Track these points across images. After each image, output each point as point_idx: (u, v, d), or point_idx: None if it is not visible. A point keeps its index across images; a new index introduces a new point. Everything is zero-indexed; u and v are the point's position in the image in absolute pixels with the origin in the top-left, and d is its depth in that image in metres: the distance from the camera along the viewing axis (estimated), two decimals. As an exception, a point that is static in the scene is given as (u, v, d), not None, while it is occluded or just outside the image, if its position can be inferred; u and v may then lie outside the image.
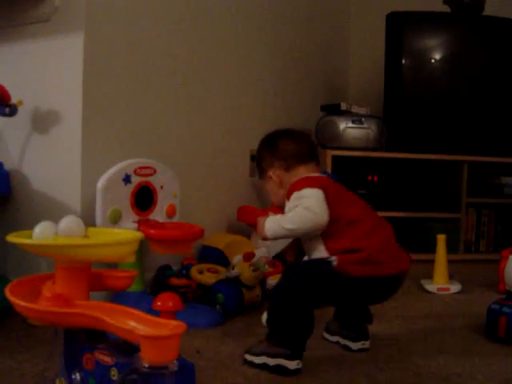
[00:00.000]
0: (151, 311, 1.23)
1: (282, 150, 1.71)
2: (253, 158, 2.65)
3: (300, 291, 1.49)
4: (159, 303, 1.29)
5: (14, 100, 1.89)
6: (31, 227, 1.14)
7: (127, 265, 1.56)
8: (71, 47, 1.94)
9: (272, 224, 1.56)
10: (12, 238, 1.09)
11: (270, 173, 1.70)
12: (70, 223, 1.15)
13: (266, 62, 2.86)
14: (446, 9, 3.34)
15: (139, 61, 2.14)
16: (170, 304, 1.28)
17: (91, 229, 1.29)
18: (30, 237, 1.12)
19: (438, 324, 1.98)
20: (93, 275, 1.17)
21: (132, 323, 1.00)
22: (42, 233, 1.13)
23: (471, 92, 3.25)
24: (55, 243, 1.10)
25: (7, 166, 2.01)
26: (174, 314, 1.27)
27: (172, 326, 0.95)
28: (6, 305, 1.12)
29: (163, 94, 2.24)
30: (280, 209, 1.67)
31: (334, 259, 1.50)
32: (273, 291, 1.61)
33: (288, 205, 1.59)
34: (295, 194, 1.57)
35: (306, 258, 1.67)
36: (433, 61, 3.27)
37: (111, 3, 2.01)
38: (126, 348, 1.06)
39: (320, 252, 1.55)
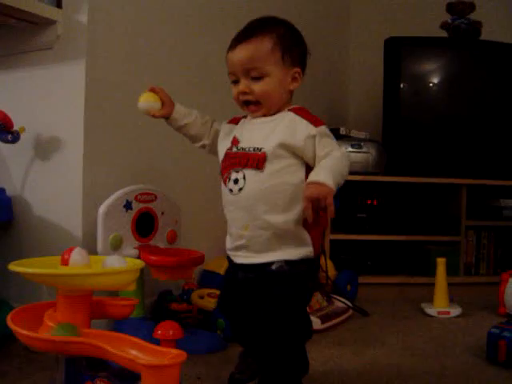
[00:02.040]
0: (152, 338, 1.24)
1: (306, 59, 1.45)
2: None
3: (302, 323, 1.40)
4: (160, 332, 1.30)
5: (16, 127, 1.91)
6: (33, 253, 1.15)
7: (128, 291, 1.57)
8: (73, 74, 1.96)
9: (336, 175, 1.26)
10: (14, 266, 1.10)
11: (297, 69, 1.40)
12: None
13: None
14: (444, 34, 3.38)
15: (140, 88, 2.15)
16: (171, 332, 1.29)
17: (92, 257, 1.30)
18: (32, 264, 1.14)
19: (438, 348, 1.98)
20: (94, 303, 1.18)
21: (133, 352, 1.01)
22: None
23: (469, 116, 3.27)
24: (56, 272, 1.11)
25: (9, 192, 2.02)
26: (174, 343, 1.27)
27: (173, 355, 0.96)
28: (7, 330, 1.13)
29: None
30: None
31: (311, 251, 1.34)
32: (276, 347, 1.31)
33: (321, 141, 1.32)
34: (326, 130, 1.35)
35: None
36: (431, 85, 3.29)
37: (112, 31, 2.04)
38: (127, 376, 1.07)
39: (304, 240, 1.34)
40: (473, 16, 3.32)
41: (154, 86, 1.53)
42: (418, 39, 3.28)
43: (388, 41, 3.29)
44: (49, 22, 1.93)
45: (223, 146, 1.43)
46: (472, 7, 3.32)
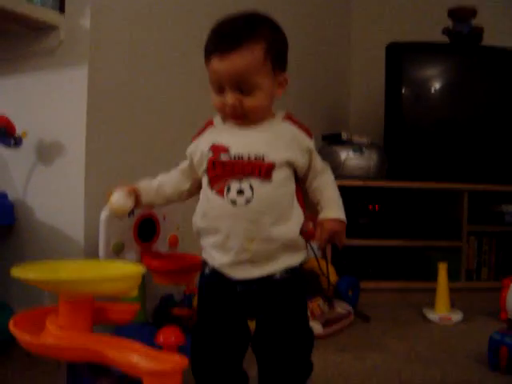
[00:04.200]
0: (153, 343, 1.24)
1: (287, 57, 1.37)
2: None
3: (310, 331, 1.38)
4: (162, 337, 1.30)
5: (18, 131, 1.92)
6: (35, 257, 1.15)
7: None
8: (75, 79, 1.96)
9: (343, 210, 1.33)
10: (16, 271, 1.10)
11: (286, 76, 1.33)
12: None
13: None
14: (445, 39, 3.38)
15: (143, 93, 2.16)
16: (173, 338, 1.29)
17: (94, 261, 1.30)
18: (34, 269, 1.14)
19: (439, 354, 1.97)
20: (96, 309, 1.18)
21: (135, 357, 1.00)
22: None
23: (471, 121, 3.27)
24: (58, 278, 1.11)
25: (11, 197, 2.02)
26: (176, 348, 1.28)
27: (174, 361, 0.96)
28: (9, 335, 1.13)
29: (168, 125, 2.27)
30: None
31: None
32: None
33: (316, 154, 1.34)
34: (312, 143, 1.34)
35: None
36: (432, 90, 3.30)
37: (115, 36, 2.04)
38: (129, 382, 1.07)
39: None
40: (474, 21, 3.33)
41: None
42: (420, 44, 3.29)
43: (389, 46, 3.30)
44: (51, 28, 1.94)
45: (204, 161, 1.32)
46: (474, 13, 3.32)
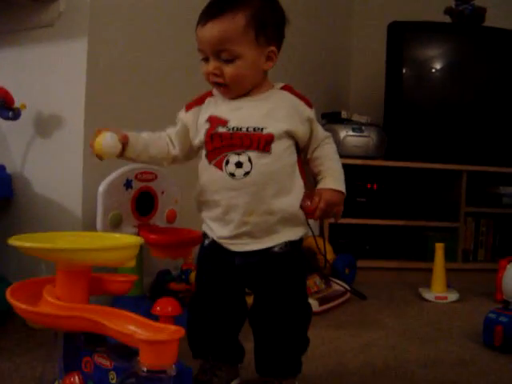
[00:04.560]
0: (150, 315, 1.24)
1: (283, 32, 1.35)
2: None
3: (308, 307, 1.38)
4: (158, 308, 1.30)
5: (17, 104, 1.91)
6: (32, 230, 1.15)
7: (127, 269, 1.57)
8: (75, 52, 1.95)
9: (343, 181, 1.32)
10: (13, 241, 1.10)
11: (273, 48, 1.30)
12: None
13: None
14: (447, 19, 3.36)
15: (143, 66, 2.15)
16: (169, 309, 1.29)
17: (92, 233, 1.30)
18: (31, 239, 1.14)
19: (435, 332, 1.98)
20: (93, 279, 1.18)
21: (131, 327, 1.00)
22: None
23: (471, 102, 3.26)
24: (55, 247, 1.11)
25: (9, 169, 2.02)
26: (172, 319, 1.28)
27: (171, 331, 0.96)
28: (6, 306, 1.13)
29: (167, 98, 2.25)
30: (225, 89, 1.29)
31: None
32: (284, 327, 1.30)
33: (317, 124, 1.34)
34: (313, 113, 1.33)
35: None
36: (433, 70, 3.28)
37: (115, 9, 2.03)
38: (125, 352, 1.07)
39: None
40: (477, 2, 3.31)
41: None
42: (422, 24, 3.28)
43: (391, 25, 3.28)
44: (51, -1, 1.92)
45: (201, 132, 1.30)
46: (477, -7, 3.30)
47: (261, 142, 1.24)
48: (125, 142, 1.30)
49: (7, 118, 1.90)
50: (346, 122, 3.15)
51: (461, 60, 3.31)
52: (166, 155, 1.38)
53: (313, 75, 3.46)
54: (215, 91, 1.35)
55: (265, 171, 1.24)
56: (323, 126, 3.08)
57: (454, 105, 3.25)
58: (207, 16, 1.25)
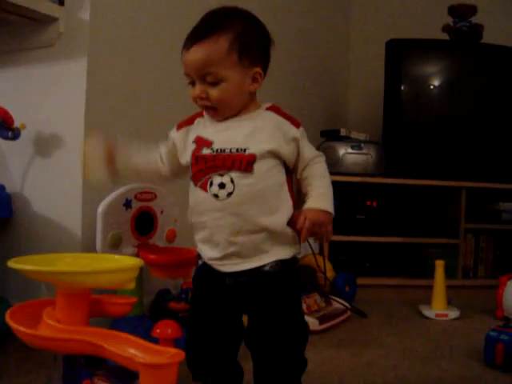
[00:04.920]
0: (149, 335, 1.24)
1: (268, 53, 1.35)
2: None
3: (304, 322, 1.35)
4: (158, 331, 1.30)
5: (16, 124, 1.91)
6: (32, 250, 1.15)
7: (127, 290, 1.56)
8: (74, 72, 1.96)
9: (332, 200, 1.31)
10: (13, 263, 1.10)
11: (257, 69, 1.30)
12: None
13: (267, 87, 2.87)
14: (445, 36, 3.38)
15: (142, 86, 2.16)
16: (169, 331, 1.29)
17: (91, 255, 1.30)
18: (31, 261, 1.14)
19: (435, 351, 1.98)
20: (92, 301, 1.18)
21: (131, 350, 1.00)
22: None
23: (470, 118, 3.27)
24: (55, 270, 1.11)
25: (9, 189, 2.02)
26: (172, 342, 1.27)
27: (170, 355, 0.96)
28: (5, 327, 1.13)
29: (166, 119, 2.25)
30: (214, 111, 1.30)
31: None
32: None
33: (306, 143, 1.33)
34: (303, 130, 1.33)
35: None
36: (432, 87, 3.29)
37: (114, 29, 2.04)
38: (125, 375, 1.07)
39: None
40: (474, 19, 3.33)
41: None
42: (420, 41, 3.29)
43: (389, 42, 3.29)
44: (51, 20, 1.94)
45: (188, 153, 1.32)
46: (474, 10, 3.32)
47: (242, 162, 1.24)
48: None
49: (7, 138, 1.90)
50: (345, 139, 3.16)
51: (459, 77, 3.32)
52: (157, 169, 1.42)
53: (311, 93, 3.48)
54: (205, 113, 1.36)
55: (247, 191, 1.24)
56: (322, 143, 3.11)
57: (453, 121, 3.25)
58: (191, 40, 1.28)
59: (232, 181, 1.24)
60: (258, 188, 1.25)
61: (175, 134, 1.38)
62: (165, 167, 1.41)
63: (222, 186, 1.25)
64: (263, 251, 1.27)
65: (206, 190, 1.27)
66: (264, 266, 1.27)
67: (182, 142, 1.35)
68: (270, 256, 1.28)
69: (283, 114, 1.33)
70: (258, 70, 1.30)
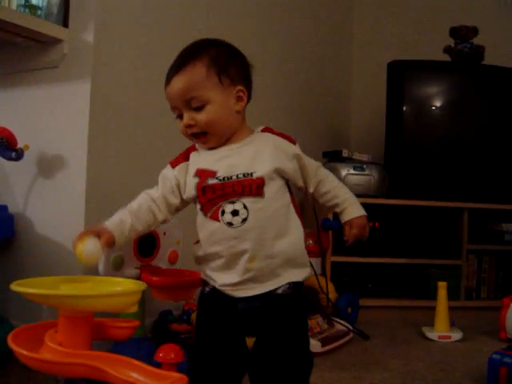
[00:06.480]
0: (151, 357, 1.24)
1: (248, 73, 1.37)
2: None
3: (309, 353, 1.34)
4: (161, 355, 1.29)
5: (20, 144, 1.92)
6: (34, 271, 1.15)
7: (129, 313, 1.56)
8: (78, 93, 1.97)
9: (360, 205, 1.40)
10: (15, 286, 1.10)
11: (240, 87, 1.31)
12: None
13: (268, 108, 2.89)
14: (447, 58, 3.40)
15: (146, 108, 2.17)
16: (172, 356, 1.28)
17: (94, 277, 1.30)
18: (33, 284, 1.13)
19: (438, 373, 1.96)
20: (95, 324, 1.18)
21: (134, 375, 1.00)
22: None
23: (471, 139, 3.28)
24: (58, 293, 1.11)
25: (12, 209, 2.02)
26: (175, 366, 1.27)
27: (174, 379, 0.96)
28: (6, 348, 1.12)
29: (170, 141, 2.26)
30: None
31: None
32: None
33: (306, 157, 1.34)
34: (297, 148, 1.34)
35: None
36: (433, 108, 3.31)
37: (118, 50, 2.06)
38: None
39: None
40: (476, 40, 3.35)
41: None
42: (421, 63, 3.31)
43: (391, 64, 3.31)
44: (55, 41, 1.96)
45: (190, 188, 1.31)
46: (475, 32, 3.35)
47: (253, 186, 1.24)
48: (110, 243, 1.29)
49: (10, 159, 1.91)
50: (347, 160, 3.16)
51: (460, 98, 3.33)
52: (152, 223, 1.36)
53: (313, 114, 3.49)
54: (197, 145, 1.36)
55: (261, 216, 1.24)
56: (324, 164, 3.10)
57: (455, 142, 3.26)
58: (170, 74, 1.32)
59: (245, 207, 1.24)
60: (270, 211, 1.25)
61: (172, 172, 1.36)
62: (162, 213, 1.36)
63: (235, 213, 1.24)
64: (277, 275, 1.27)
65: (217, 219, 1.25)
66: (277, 288, 1.27)
67: (183, 178, 1.33)
68: (284, 279, 1.27)
69: (278, 133, 1.34)
70: (241, 87, 1.31)
